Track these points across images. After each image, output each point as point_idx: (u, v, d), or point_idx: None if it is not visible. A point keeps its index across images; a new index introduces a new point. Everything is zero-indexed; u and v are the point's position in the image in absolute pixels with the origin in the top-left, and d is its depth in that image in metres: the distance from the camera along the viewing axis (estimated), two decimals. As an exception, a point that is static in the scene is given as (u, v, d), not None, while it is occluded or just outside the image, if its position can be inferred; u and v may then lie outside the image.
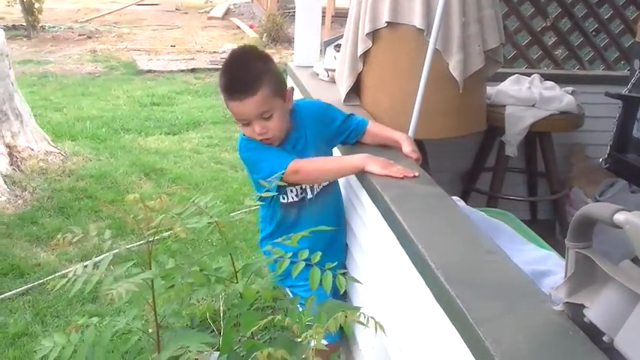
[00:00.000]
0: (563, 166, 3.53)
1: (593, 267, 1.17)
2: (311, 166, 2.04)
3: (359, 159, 2.01)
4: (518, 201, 3.42)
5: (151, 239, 1.37)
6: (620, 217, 1.05)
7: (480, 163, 3.46)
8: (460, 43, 2.54)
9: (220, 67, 2.18)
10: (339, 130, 2.23)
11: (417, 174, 1.93)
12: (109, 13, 12.97)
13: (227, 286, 1.49)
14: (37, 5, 10.41)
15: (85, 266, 1.46)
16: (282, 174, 1.93)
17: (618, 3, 3.85)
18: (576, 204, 3.26)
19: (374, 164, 1.95)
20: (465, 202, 3.40)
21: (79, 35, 10.95)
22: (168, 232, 1.57)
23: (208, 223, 1.56)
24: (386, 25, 2.60)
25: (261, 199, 2.01)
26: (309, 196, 2.14)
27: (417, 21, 2.54)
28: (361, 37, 2.67)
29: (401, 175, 1.91)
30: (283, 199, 2.13)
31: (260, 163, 2.05)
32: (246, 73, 2.02)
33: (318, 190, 2.15)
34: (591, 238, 1.18)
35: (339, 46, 3.11)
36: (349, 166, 2.04)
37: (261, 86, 1.98)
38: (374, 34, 2.65)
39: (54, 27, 11.28)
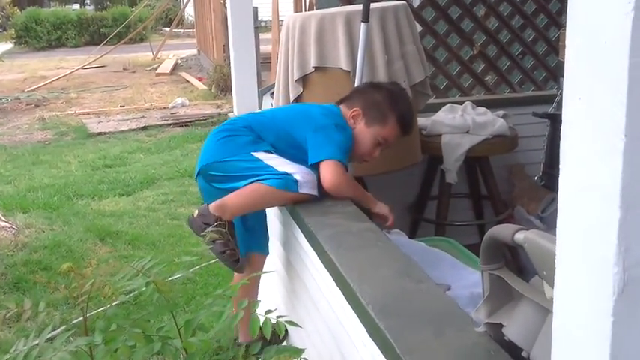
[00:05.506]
0: (505, 187, 3.62)
1: (508, 286, 1.23)
2: (352, 185, 2.21)
3: (375, 204, 2.26)
4: (466, 226, 3.49)
5: (85, 305, 1.38)
6: (519, 236, 1.11)
7: (425, 193, 3.53)
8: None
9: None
10: None
11: None
12: (56, 79, 12.94)
13: (168, 344, 1.50)
14: (-19, 80, 10.38)
15: (25, 343, 1.47)
16: (344, 165, 2.15)
17: (540, 25, 4.02)
18: (519, 223, 3.34)
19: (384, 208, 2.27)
20: (415, 232, 3.49)
21: (27, 104, 10.91)
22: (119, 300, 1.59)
23: (146, 283, 1.58)
24: (314, 69, 2.69)
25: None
26: None
27: (343, 63, 2.63)
28: (292, 83, 2.75)
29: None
30: None
31: (333, 138, 2.16)
32: None
33: None
34: (502, 259, 1.23)
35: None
36: (369, 201, 2.24)
37: None
38: (304, 80, 2.73)
39: (0, 99, 11.22)
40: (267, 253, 2.36)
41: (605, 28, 0.65)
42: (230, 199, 2.06)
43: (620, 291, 0.69)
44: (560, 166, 0.76)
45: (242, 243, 2.21)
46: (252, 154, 2.11)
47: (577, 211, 0.73)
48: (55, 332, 1.54)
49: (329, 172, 2.09)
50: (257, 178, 2.03)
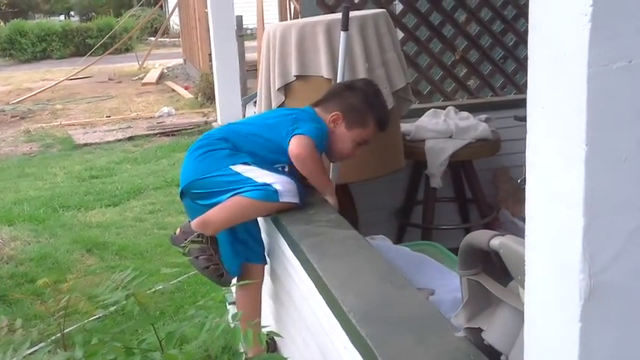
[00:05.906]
0: (490, 190, 3.65)
1: (486, 291, 1.24)
2: (319, 164, 2.22)
3: (332, 189, 2.26)
4: (452, 229, 3.50)
5: (61, 321, 1.38)
6: (495, 242, 1.12)
7: (411, 197, 3.55)
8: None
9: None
10: None
11: None
12: (41, 91, 12.88)
13: (148, 357, 1.50)
14: (-34, 93, 10.33)
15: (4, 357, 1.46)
16: (316, 147, 2.17)
17: (521, 30, 4.05)
18: (504, 225, 3.37)
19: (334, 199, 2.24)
20: (402, 237, 3.50)
21: (12, 117, 10.85)
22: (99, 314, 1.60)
23: (126, 296, 1.58)
24: (295, 78, 2.70)
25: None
26: None
27: (324, 71, 2.64)
28: (274, 92, 2.75)
29: None
30: None
31: (307, 124, 2.20)
32: None
33: None
34: (479, 264, 1.24)
35: (257, 102, 3.18)
36: (326, 189, 2.24)
37: None
38: (286, 88, 2.74)
39: (-15, 112, 11.17)
40: (265, 263, 2.35)
41: (564, 40, 0.67)
42: (212, 213, 2.06)
43: (587, 297, 0.70)
44: (527, 175, 0.77)
45: (237, 255, 2.21)
46: (231, 167, 2.11)
47: (543, 219, 0.74)
48: (38, 346, 1.54)
49: (297, 143, 2.12)
50: (237, 191, 2.03)
